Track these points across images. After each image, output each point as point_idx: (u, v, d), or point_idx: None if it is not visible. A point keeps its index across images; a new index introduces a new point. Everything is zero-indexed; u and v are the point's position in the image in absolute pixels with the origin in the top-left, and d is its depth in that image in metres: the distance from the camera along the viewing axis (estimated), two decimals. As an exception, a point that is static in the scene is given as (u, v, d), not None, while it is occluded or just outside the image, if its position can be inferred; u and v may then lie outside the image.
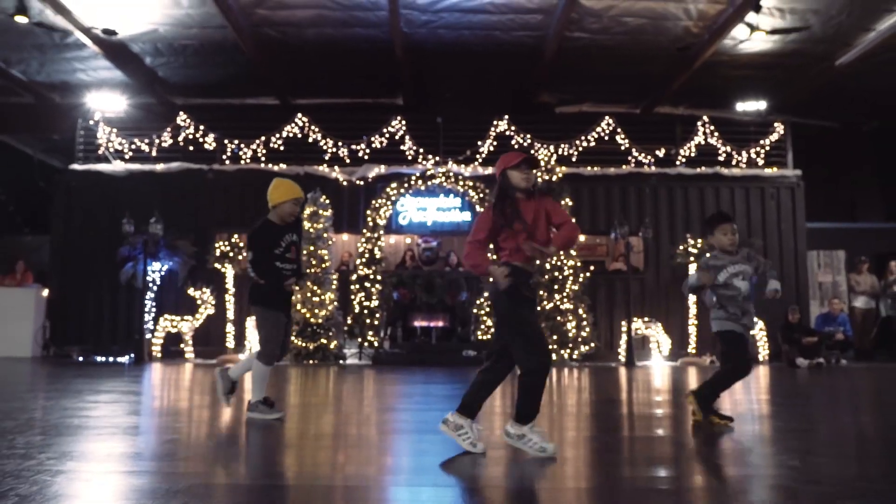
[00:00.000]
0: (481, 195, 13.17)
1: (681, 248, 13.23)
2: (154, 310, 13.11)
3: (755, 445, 4.14)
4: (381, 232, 13.01)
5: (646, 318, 13.03)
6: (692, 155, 14.45)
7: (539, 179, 3.79)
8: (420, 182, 13.29)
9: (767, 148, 14.58)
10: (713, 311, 4.80)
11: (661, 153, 14.40)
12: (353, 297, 12.47)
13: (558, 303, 12.11)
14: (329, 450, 4.04)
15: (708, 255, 4.93)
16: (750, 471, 3.42)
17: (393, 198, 13.25)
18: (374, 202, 13.15)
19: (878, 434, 4.75)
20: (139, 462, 3.49)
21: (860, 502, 2.72)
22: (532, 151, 3.65)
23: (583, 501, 2.86)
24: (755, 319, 4.90)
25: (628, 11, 12.09)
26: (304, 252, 12.48)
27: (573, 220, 3.85)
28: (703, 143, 14.46)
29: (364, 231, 12.97)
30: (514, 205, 3.65)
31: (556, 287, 12.16)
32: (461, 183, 13.29)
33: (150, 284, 13.19)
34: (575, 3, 11.55)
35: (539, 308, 12.12)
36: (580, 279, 12.37)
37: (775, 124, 14.82)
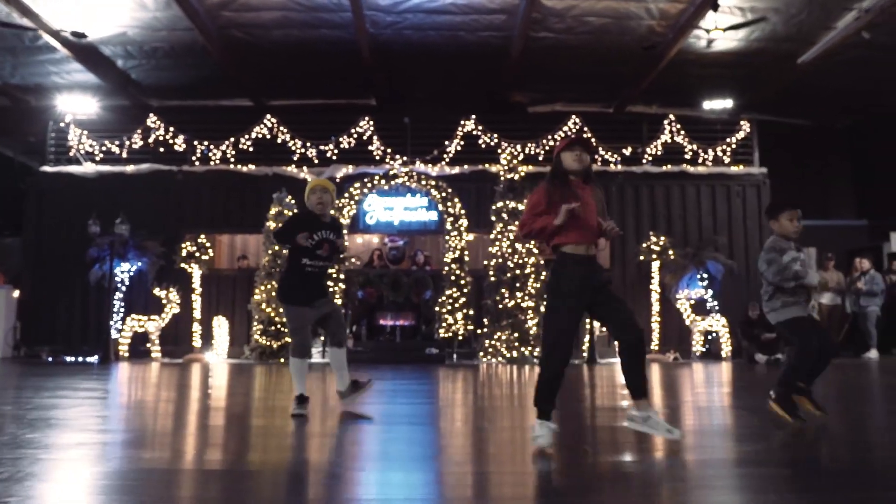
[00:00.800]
0: (444, 195, 13.26)
1: (644, 245, 13.31)
2: (122, 310, 13.22)
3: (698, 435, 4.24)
4: (346, 231, 13.09)
5: (610, 316, 13.09)
6: (658, 153, 14.53)
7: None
8: (383, 182, 13.40)
9: (734, 146, 14.65)
10: (768, 303, 4.70)
11: (627, 151, 14.48)
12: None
13: (519, 301, 12.20)
14: (293, 437, 4.19)
15: (770, 245, 4.85)
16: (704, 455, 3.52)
17: (356, 197, 13.36)
18: (337, 202, 13.24)
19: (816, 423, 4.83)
20: (106, 450, 3.65)
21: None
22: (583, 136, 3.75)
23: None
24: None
25: (590, 11, 12.19)
26: (270, 252, 12.59)
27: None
28: (669, 141, 14.54)
29: (328, 231, 13.04)
30: (567, 184, 3.73)
31: (517, 285, 12.26)
32: (423, 182, 13.39)
33: (119, 285, 13.30)
34: (536, 3, 11.66)
35: (500, 307, 12.22)
36: (542, 277, 12.46)
37: (742, 122, 14.91)
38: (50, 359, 12.70)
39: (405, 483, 2.95)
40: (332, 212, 5.44)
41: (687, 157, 14.58)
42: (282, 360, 12.08)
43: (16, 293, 13.71)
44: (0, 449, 3.61)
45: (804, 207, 15.99)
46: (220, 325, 13.03)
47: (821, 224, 16.20)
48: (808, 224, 16.38)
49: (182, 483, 3.04)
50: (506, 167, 12.97)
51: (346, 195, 13.30)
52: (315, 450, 3.91)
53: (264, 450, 3.90)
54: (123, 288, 13.38)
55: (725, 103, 14.85)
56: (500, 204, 12.71)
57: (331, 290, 12.61)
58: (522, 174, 13.03)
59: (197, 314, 13.06)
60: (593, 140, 14.39)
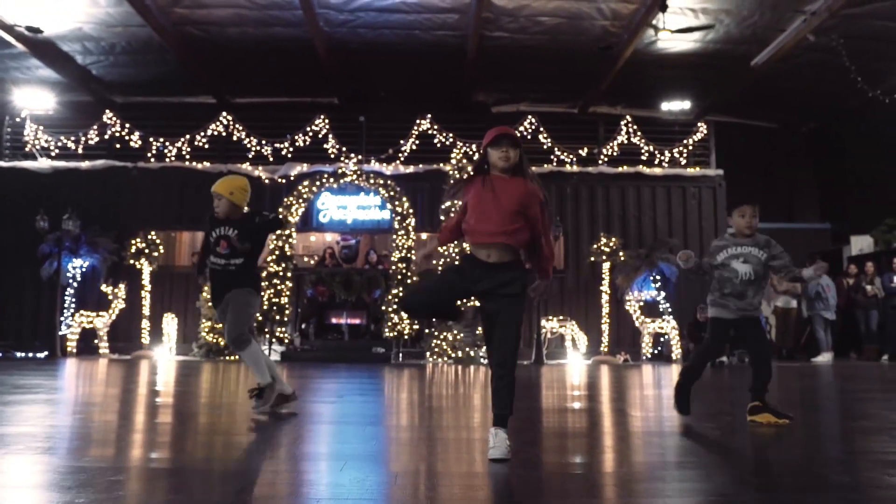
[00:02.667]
0: (392, 193, 13.25)
1: (594, 246, 13.29)
2: (74, 306, 13.21)
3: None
4: (293, 229, 13.09)
5: (560, 317, 13.09)
6: (615, 154, 14.51)
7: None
8: (332, 180, 13.38)
9: (691, 148, 14.63)
10: (708, 296, 4.70)
11: (583, 152, 14.46)
12: (262, 293, 12.55)
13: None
14: (242, 436, 4.17)
15: (728, 233, 4.82)
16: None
17: (306, 196, 13.34)
18: (285, 200, 13.24)
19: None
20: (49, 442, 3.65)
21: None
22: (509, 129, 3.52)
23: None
24: (760, 304, 4.67)
25: (542, 11, 12.17)
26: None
27: (551, 240, 3.58)
28: (626, 142, 14.52)
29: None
30: (485, 178, 3.49)
31: (464, 285, 12.23)
32: (373, 181, 13.37)
33: (71, 281, 13.29)
34: (486, 2, 11.64)
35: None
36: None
37: (699, 124, 14.88)
38: (0, 354, 12.69)
39: (356, 481, 2.93)
40: (245, 209, 5.27)
41: (643, 158, 14.55)
42: (228, 357, 12.06)
43: (-32, 288, 13.72)
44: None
45: (768, 210, 16.07)
46: (170, 322, 13.01)
47: (784, 227, 16.21)
48: (772, 227, 16.52)
49: (126, 480, 2.97)
50: (455, 167, 12.95)
51: (295, 193, 13.28)
52: (261, 448, 3.85)
53: (211, 448, 3.82)
54: (75, 284, 13.37)
55: (683, 105, 14.82)
56: (447, 203, 12.68)
57: (276, 288, 12.60)
58: (471, 172, 12.98)
59: (146, 311, 13.04)
60: (546, 140, 14.43)
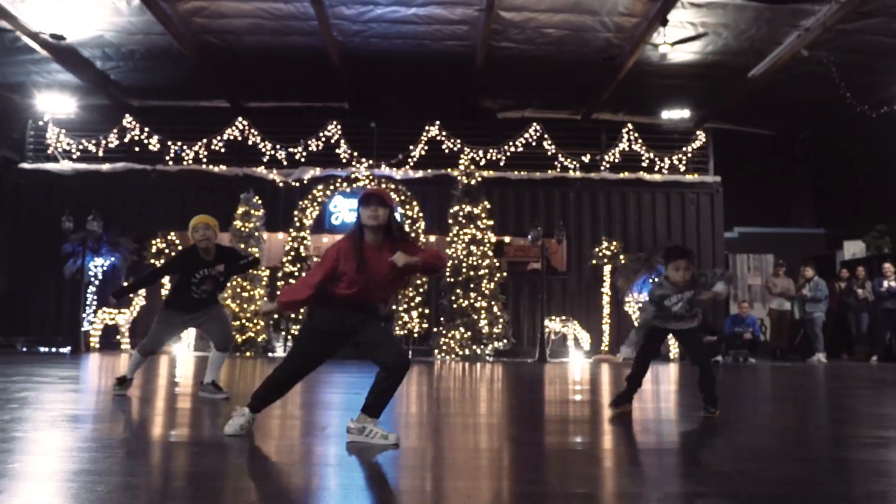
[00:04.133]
0: (403, 198, 13.76)
1: (596, 250, 13.79)
2: (95, 303, 13.72)
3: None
4: (308, 231, 13.61)
5: (563, 317, 13.60)
6: (616, 161, 15.02)
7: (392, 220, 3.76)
8: (346, 184, 13.90)
9: (690, 155, 15.14)
10: (647, 307, 5.08)
11: (586, 158, 14.97)
12: (278, 292, 13.08)
13: (473, 301, 12.70)
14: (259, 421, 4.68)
15: (658, 282, 5.12)
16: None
17: (320, 199, 13.86)
18: (300, 203, 13.77)
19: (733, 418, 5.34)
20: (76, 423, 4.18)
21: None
22: (379, 188, 3.73)
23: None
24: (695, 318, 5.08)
25: (548, 23, 12.67)
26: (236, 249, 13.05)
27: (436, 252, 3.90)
28: (627, 149, 15.03)
29: (290, 231, 13.59)
30: (361, 242, 3.64)
31: (471, 286, 12.76)
32: (384, 185, 13.89)
33: (92, 279, 13.79)
34: (494, 14, 12.13)
35: (455, 306, 12.74)
36: (496, 278, 12.97)
37: (698, 132, 15.38)
38: (24, 349, 13.19)
39: (361, 450, 3.42)
40: (219, 242, 5.77)
41: (644, 164, 15.06)
42: (247, 353, 12.58)
43: (-7, 285, 14.23)
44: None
45: (765, 215, 16.54)
46: (188, 319, 13.49)
47: (780, 231, 16.76)
48: (768, 231, 16.99)
49: (149, 453, 3.53)
50: (464, 172, 13.47)
51: (309, 197, 13.81)
52: (275, 428, 4.38)
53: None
54: (97, 282, 13.87)
55: (683, 113, 15.33)
56: (456, 208, 13.22)
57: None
58: (479, 179, 13.53)
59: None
60: (512, 150, 14.86)
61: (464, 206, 13.16)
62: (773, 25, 12.38)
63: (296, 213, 13.62)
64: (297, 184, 14.41)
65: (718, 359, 12.28)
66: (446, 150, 14.81)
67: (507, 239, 14.44)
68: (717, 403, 4.92)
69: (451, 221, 13.25)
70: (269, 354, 12.75)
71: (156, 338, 5.76)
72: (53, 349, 13.10)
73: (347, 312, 3.70)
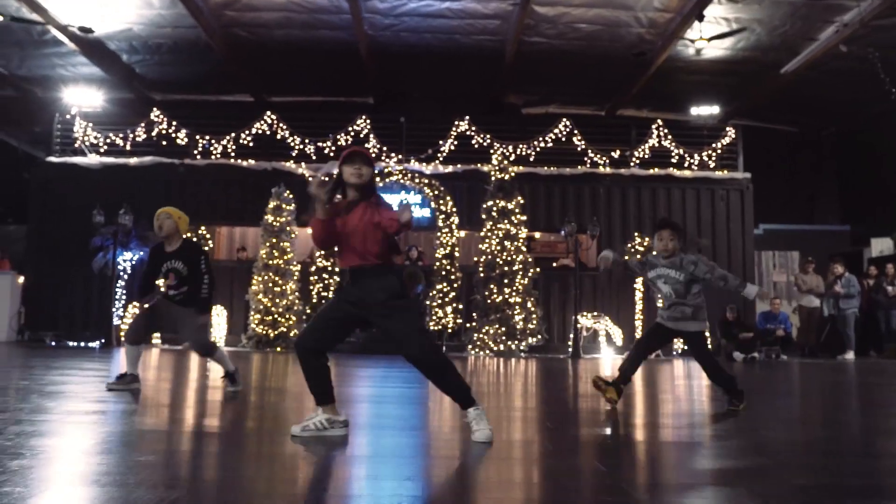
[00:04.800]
0: (436, 192, 13.71)
1: (628, 245, 13.76)
2: (124, 297, 13.65)
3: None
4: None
5: (595, 313, 13.58)
6: (646, 157, 14.99)
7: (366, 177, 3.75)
8: (378, 179, 13.83)
9: (719, 151, 15.10)
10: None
11: (616, 154, 14.94)
12: (311, 287, 13.06)
13: (507, 296, 12.66)
14: (289, 411, 4.72)
15: (653, 252, 5.26)
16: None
17: (350, 193, 13.78)
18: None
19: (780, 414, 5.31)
20: (105, 417, 4.16)
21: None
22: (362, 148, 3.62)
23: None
24: (696, 318, 5.02)
25: (581, 18, 12.61)
26: (267, 244, 13.01)
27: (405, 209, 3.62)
28: (657, 145, 14.99)
29: (323, 225, 13.51)
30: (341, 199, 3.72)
31: (505, 281, 12.72)
32: (417, 180, 13.84)
33: (121, 273, 13.73)
34: (528, 9, 12.07)
35: (488, 302, 12.70)
36: (529, 274, 12.93)
37: (727, 128, 15.35)
38: (53, 343, 13.13)
39: (397, 456, 3.39)
40: (184, 235, 5.71)
41: (673, 161, 15.03)
42: (278, 348, 12.53)
43: (20, 279, 14.14)
44: (28, 413, 4.10)
45: (790, 212, 16.48)
46: (219, 314, 13.46)
47: (805, 228, 16.74)
48: (793, 228, 16.94)
49: (179, 440, 3.54)
50: (497, 167, 13.42)
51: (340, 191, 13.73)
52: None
53: (260, 419, 4.41)
54: (125, 276, 13.81)
55: (712, 109, 15.29)
56: (490, 203, 13.17)
57: (325, 282, 13.04)
58: (513, 174, 13.49)
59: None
60: (542, 146, 14.82)
61: (497, 201, 13.11)
62: (809, 21, 12.34)
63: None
64: (326, 178, 14.29)
65: (755, 355, 12.25)
66: (475, 146, 14.75)
67: (536, 234, 14.39)
68: (743, 397, 4.97)
69: (484, 216, 13.20)
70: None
71: (139, 321, 5.83)
72: (82, 343, 13.03)
73: (353, 282, 3.68)
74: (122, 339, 5.76)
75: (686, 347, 5.17)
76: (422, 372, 3.64)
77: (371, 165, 3.75)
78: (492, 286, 12.71)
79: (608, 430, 4.14)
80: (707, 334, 5.39)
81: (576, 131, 14.82)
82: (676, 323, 5.00)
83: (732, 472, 3.04)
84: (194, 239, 13.38)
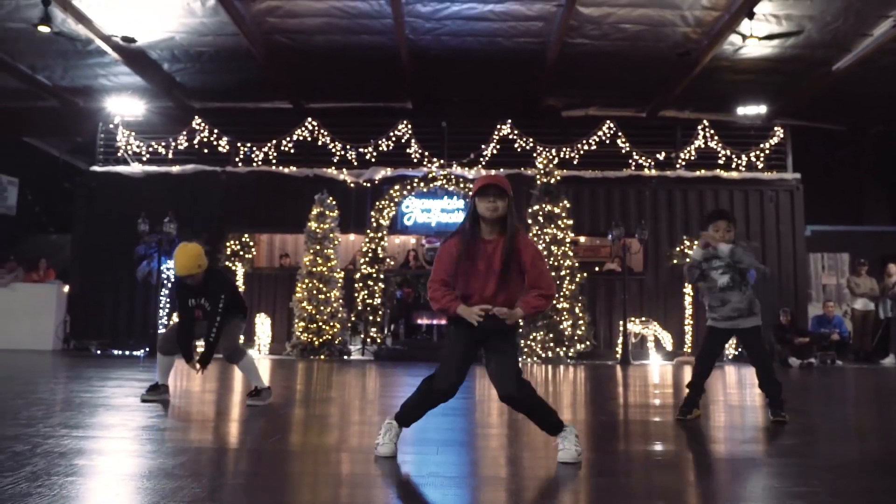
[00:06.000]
0: (481, 197, 13.56)
1: (676, 249, 13.49)
2: (168, 305, 13.67)
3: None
4: (385, 232, 13.46)
5: (643, 318, 13.32)
6: (692, 158, 14.71)
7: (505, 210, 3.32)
8: (422, 184, 13.73)
9: (767, 152, 14.78)
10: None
11: (661, 156, 14.68)
12: (356, 294, 12.96)
13: (555, 302, 12.45)
14: (333, 424, 4.66)
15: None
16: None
17: (396, 199, 13.72)
18: (377, 204, 13.62)
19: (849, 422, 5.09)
20: (137, 431, 4.06)
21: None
22: (495, 175, 3.37)
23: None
24: (750, 312, 4.96)
25: (626, 18, 12.40)
26: (311, 251, 12.94)
27: (550, 284, 3.47)
28: (703, 146, 14.71)
29: (368, 231, 13.45)
30: (476, 237, 3.37)
31: (552, 287, 12.53)
32: (462, 185, 13.69)
33: (165, 281, 13.75)
34: (573, 10, 11.89)
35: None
36: (577, 279, 12.72)
37: (775, 128, 15.02)
38: (98, 351, 13.17)
39: (445, 462, 3.31)
40: (203, 265, 5.44)
41: (720, 162, 14.73)
42: (322, 356, 12.44)
43: (66, 288, 14.23)
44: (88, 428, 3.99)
45: (838, 213, 16.10)
46: (263, 322, 13.42)
47: (854, 230, 16.30)
48: (841, 229, 16.53)
49: (227, 460, 3.44)
50: (542, 171, 13.23)
51: (386, 198, 13.67)
52: (355, 434, 4.31)
53: (305, 433, 4.34)
54: (169, 284, 13.83)
55: (759, 109, 14.97)
56: (535, 207, 12.98)
57: (370, 289, 12.97)
58: (558, 178, 13.29)
59: (240, 311, 13.46)
60: (586, 149, 14.59)
61: (543, 205, 12.93)
62: (861, 17, 11.99)
63: (372, 213, 13.49)
64: (368, 184, 14.27)
65: (812, 360, 11.91)
66: (518, 149, 14.59)
67: (581, 239, 14.17)
68: (785, 407, 4.85)
69: (530, 221, 13.01)
70: (346, 357, 12.59)
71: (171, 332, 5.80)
72: (126, 352, 13.05)
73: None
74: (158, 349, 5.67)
75: (740, 350, 5.06)
76: (513, 406, 3.49)
77: (506, 196, 3.38)
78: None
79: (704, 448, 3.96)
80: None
81: (619, 133, 14.58)
82: (731, 322, 4.93)
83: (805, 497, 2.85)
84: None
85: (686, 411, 4.91)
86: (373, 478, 3.06)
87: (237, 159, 14.85)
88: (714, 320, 5.02)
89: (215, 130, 14.98)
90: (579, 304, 12.66)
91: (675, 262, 13.60)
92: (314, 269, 12.69)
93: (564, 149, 14.65)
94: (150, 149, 14.98)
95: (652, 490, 2.93)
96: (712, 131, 14.84)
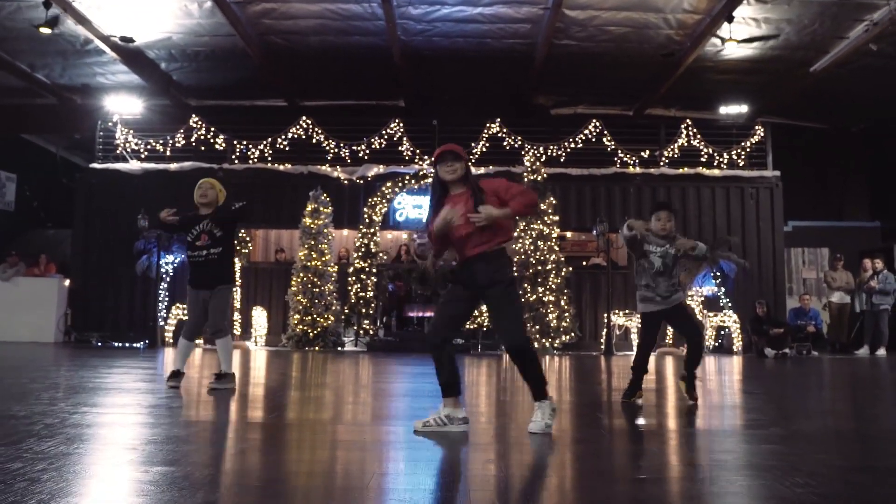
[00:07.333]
0: (470, 194, 13.97)
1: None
2: (167, 299, 14.05)
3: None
4: (378, 228, 13.88)
5: (626, 311, 13.77)
6: (675, 156, 15.15)
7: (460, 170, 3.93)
8: (413, 181, 14.14)
9: (748, 150, 15.23)
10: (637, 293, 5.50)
11: (645, 154, 15.12)
12: (350, 288, 13.38)
13: (541, 295, 12.90)
14: (329, 403, 4.99)
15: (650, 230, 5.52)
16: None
17: (388, 196, 14.12)
18: (370, 200, 14.04)
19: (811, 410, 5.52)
20: (149, 409, 4.46)
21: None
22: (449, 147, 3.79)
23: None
24: (674, 293, 5.36)
25: (611, 21, 12.81)
26: (306, 246, 13.33)
27: (526, 191, 3.91)
28: (686, 144, 15.15)
29: (361, 227, 13.87)
30: (445, 193, 3.89)
31: (539, 280, 12.96)
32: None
33: (164, 276, 14.14)
34: (559, 13, 12.29)
35: (522, 300, 12.94)
36: (562, 273, 13.16)
37: (756, 127, 15.47)
38: (99, 344, 13.55)
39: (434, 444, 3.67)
40: (221, 202, 5.94)
41: (703, 159, 15.18)
42: (317, 347, 12.86)
43: (66, 282, 14.59)
44: (50, 404, 4.42)
45: (818, 209, 16.48)
46: (259, 314, 13.82)
47: (834, 225, 16.79)
48: (822, 225, 16.97)
49: (231, 430, 3.87)
50: (529, 169, 13.65)
51: (379, 194, 14.07)
52: (349, 412, 4.74)
53: (302, 411, 4.76)
54: (168, 278, 14.21)
55: (741, 108, 15.43)
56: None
57: (363, 282, 13.37)
58: (545, 175, 13.72)
59: (237, 304, 13.86)
60: (572, 147, 14.98)
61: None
62: (838, 20, 12.45)
63: (365, 209, 13.90)
64: (361, 181, 14.67)
65: (786, 351, 12.39)
66: (507, 147, 15.00)
67: (568, 234, 14.60)
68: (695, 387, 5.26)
69: (517, 217, 13.41)
70: (339, 349, 13.01)
71: (189, 318, 5.97)
72: (126, 344, 13.43)
73: (463, 268, 3.85)
74: (181, 335, 5.92)
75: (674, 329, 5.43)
76: (515, 360, 3.80)
77: (462, 159, 3.93)
78: (525, 285, 12.95)
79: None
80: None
81: (605, 132, 15.01)
82: (667, 301, 5.28)
83: (776, 456, 3.27)
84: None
85: (630, 394, 5.32)
86: (366, 443, 3.48)
87: (234, 156, 15.22)
88: (644, 304, 5.35)
89: (212, 128, 15.33)
90: (565, 297, 13.11)
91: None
92: (309, 264, 13.10)
93: (552, 147, 15.07)
94: (149, 146, 15.33)
95: (635, 455, 3.36)
96: (695, 130, 15.29)
